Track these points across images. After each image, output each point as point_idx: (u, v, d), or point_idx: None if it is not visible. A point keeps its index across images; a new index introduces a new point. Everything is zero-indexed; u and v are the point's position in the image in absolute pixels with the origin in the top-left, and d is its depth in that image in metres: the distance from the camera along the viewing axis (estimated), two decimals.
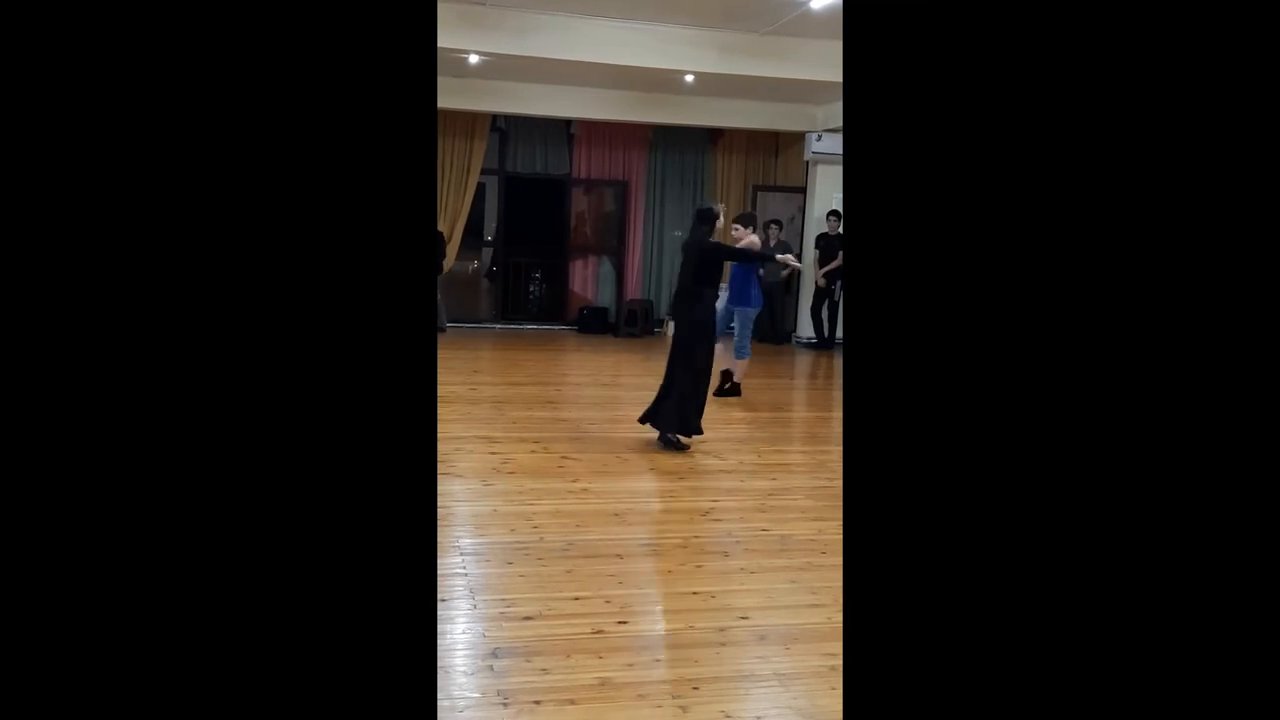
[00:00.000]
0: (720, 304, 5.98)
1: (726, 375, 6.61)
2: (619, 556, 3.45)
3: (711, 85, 8.58)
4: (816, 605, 3.09)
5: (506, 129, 10.12)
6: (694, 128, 10.17)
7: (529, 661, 2.56)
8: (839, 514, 4.12)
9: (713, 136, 10.61)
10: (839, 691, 2.49)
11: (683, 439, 5.09)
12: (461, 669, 2.53)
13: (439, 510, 3.79)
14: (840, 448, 5.34)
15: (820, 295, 9.64)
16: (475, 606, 2.93)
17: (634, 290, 10.68)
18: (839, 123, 9.47)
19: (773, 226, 10.17)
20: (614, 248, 10.79)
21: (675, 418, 5.04)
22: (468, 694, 2.38)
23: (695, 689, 2.47)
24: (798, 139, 9.95)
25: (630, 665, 2.59)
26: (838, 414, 5.67)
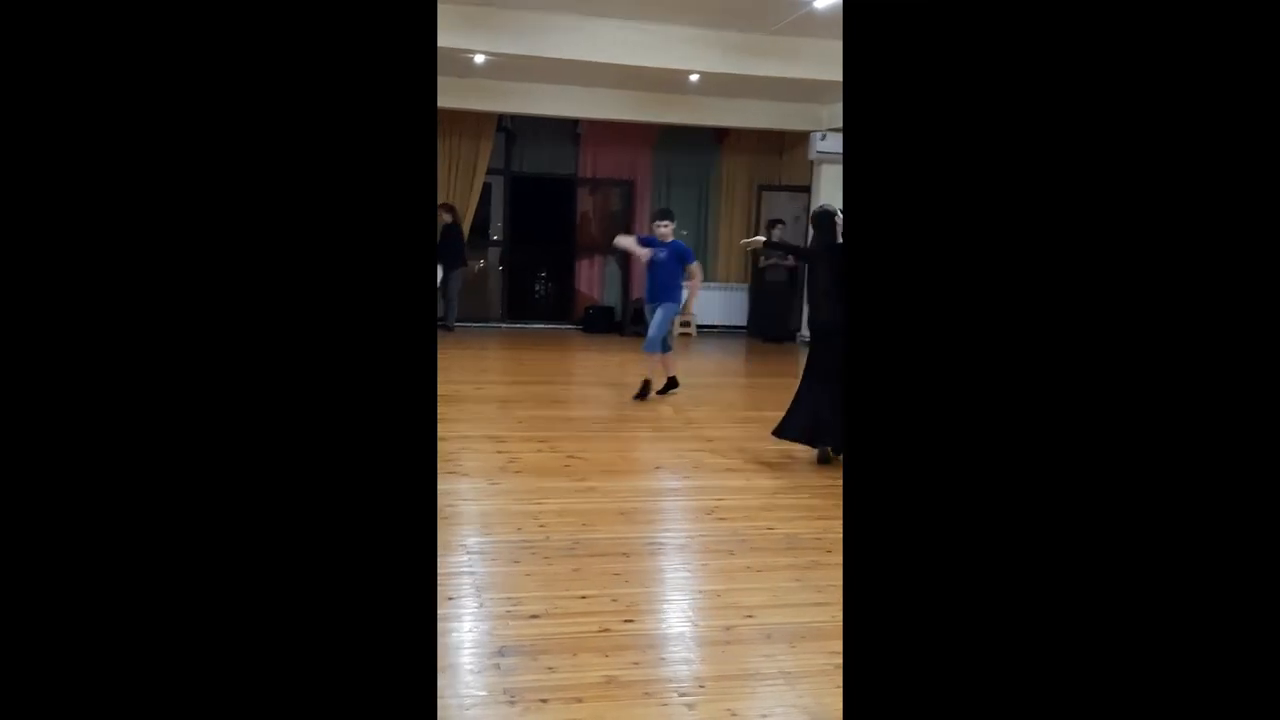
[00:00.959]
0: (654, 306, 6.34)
1: (672, 381, 6.57)
2: (625, 555, 3.46)
3: (717, 85, 8.59)
4: (822, 604, 3.09)
5: (513, 129, 10.14)
6: (699, 127, 10.17)
7: (535, 660, 2.58)
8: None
9: (718, 136, 10.62)
10: None
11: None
12: (468, 667, 2.54)
13: (446, 509, 3.81)
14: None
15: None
16: (482, 605, 2.95)
17: (640, 289, 10.69)
18: (842, 122, 9.46)
19: (778, 226, 10.18)
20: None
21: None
22: (474, 692, 2.40)
23: (701, 687, 2.49)
24: (803, 138, 9.95)
25: (636, 663, 2.60)
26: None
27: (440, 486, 3.84)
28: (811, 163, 9.86)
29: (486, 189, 10.37)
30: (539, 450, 4.93)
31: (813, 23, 6.34)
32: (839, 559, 3.51)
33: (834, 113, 9.65)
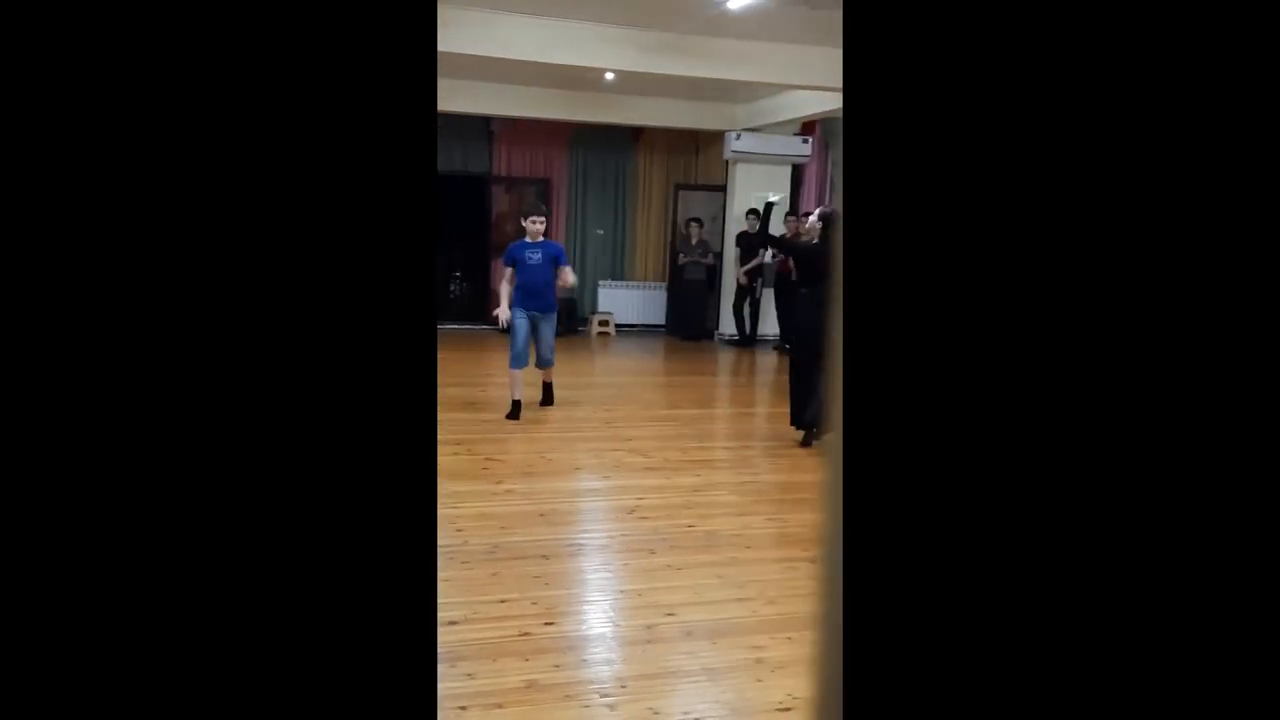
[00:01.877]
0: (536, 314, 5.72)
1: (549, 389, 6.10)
2: (545, 557, 3.43)
3: (632, 83, 8.59)
4: (742, 599, 3.12)
5: None
6: (615, 126, 10.18)
7: (454, 666, 2.53)
8: (762, 509, 4.17)
9: (634, 135, 10.64)
10: (766, 684, 2.52)
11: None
12: None
13: None
14: (763, 444, 5.42)
15: (741, 293, 9.75)
16: None
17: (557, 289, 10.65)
18: (758, 121, 9.60)
19: (693, 224, 10.26)
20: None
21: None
22: None
23: (623, 687, 2.47)
24: (718, 138, 10.04)
25: (557, 666, 2.58)
26: (761, 410, 5.75)
27: None
28: (727, 162, 9.96)
29: None
30: (455, 453, 4.85)
31: (727, 23, 6.39)
32: (758, 555, 3.55)
33: (748, 112, 9.77)
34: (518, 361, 5.69)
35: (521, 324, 5.68)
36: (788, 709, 2.40)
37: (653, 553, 3.54)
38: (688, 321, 10.32)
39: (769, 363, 8.76)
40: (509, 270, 5.75)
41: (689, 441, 5.38)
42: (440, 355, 8.64)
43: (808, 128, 9.93)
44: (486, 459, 4.77)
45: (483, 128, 10.16)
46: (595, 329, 10.36)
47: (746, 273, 9.63)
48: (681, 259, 10.27)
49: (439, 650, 2.61)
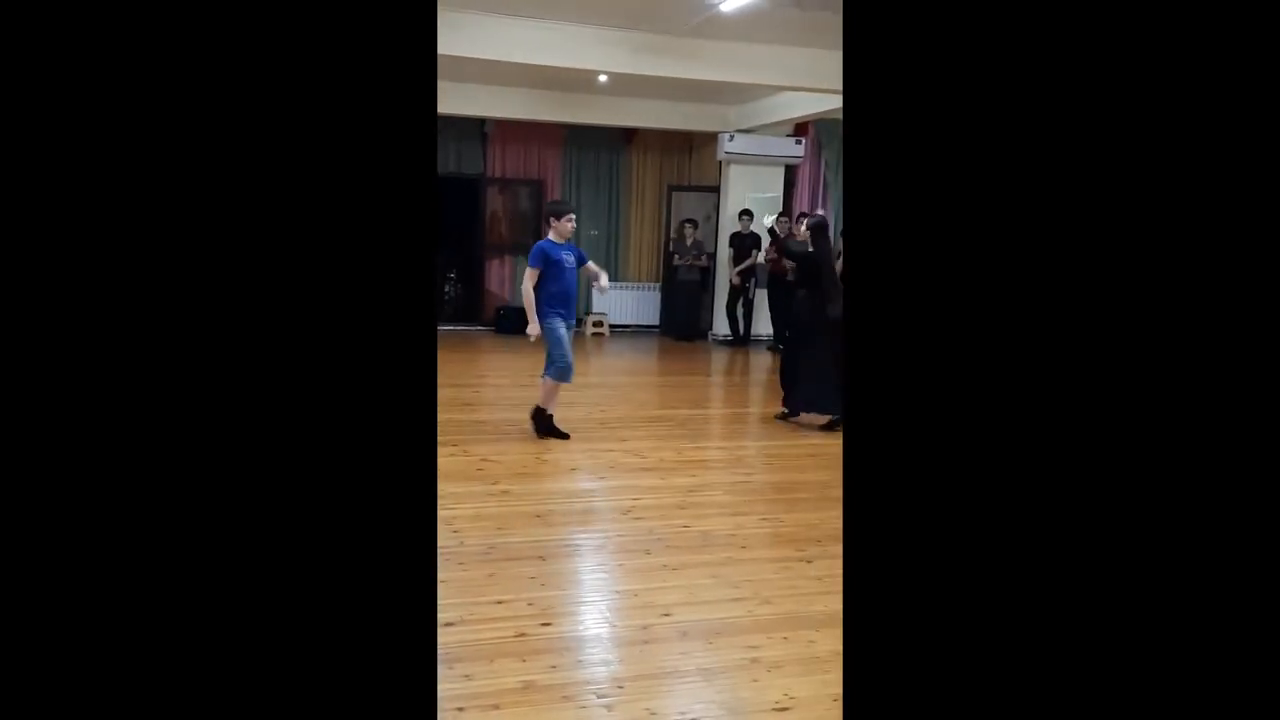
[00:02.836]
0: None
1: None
2: (541, 558, 3.44)
3: (625, 85, 8.60)
4: (737, 599, 3.13)
5: None
6: (608, 127, 10.19)
7: (451, 668, 2.54)
8: (757, 509, 4.19)
9: (626, 136, 10.65)
10: (761, 684, 2.54)
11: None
12: None
13: None
14: (758, 444, 5.44)
15: (735, 293, 9.77)
16: None
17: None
18: (750, 123, 9.62)
19: (687, 225, 10.28)
20: (530, 247, 10.72)
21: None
22: None
23: (620, 688, 2.49)
24: (711, 139, 10.06)
25: (554, 667, 2.59)
26: (754, 410, 5.77)
27: None
28: (720, 163, 9.98)
29: None
30: (451, 454, 4.85)
31: (719, 25, 6.41)
32: (753, 555, 3.57)
33: (741, 113, 9.79)
34: (568, 375, 5.20)
35: (566, 333, 5.21)
36: (784, 709, 2.42)
37: (648, 553, 3.55)
38: (682, 322, 10.34)
39: (763, 362, 8.77)
40: (536, 274, 5.17)
41: (684, 442, 5.39)
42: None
43: (800, 129, 9.95)
44: (482, 460, 4.78)
45: (476, 129, 10.16)
46: (590, 329, 10.37)
47: (739, 273, 9.64)
48: (675, 260, 10.29)
49: (437, 652, 2.62)
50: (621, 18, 6.46)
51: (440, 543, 3.52)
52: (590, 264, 5.46)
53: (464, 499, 4.10)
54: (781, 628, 2.90)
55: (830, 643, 2.78)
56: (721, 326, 10.05)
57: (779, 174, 10.09)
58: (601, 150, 10.65)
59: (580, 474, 4.67)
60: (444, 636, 2.72)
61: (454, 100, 8.97)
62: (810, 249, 5.77)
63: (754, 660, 2.67)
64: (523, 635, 2.77)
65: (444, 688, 2.42)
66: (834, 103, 7.90)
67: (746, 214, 9.61)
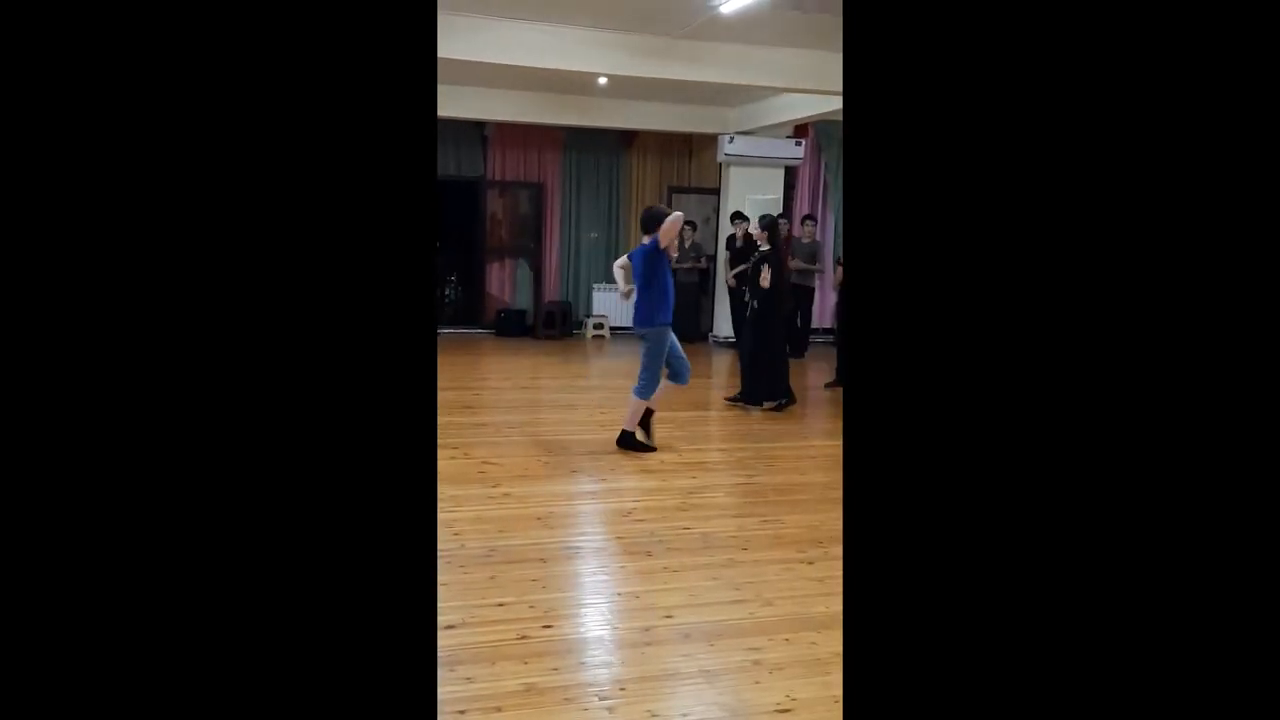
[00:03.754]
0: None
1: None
2: (542, 561, 3.44)
3: (625, 88, 8.61)
4: (739, 601, 3.13)
5: None
6: (608, 130, 10.19)
7: (453, 671, 2.54)
8: (758, 510, 4.19)
9: (627, 138, 10.66)
10: (763, 685, 2.54)
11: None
12: None
13: None
14: (758, 445, 5.44)
15: (733, 296, 9.77)
16: None
17: (552, 292, 10.65)
18: (750, 125, 9.62)
19: (686, 227, 10.27)
20: (530, 250, 10.74)
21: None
22: None
23: (622, 690, 2.48)
24: (711, 141, 10.06)
25: (555, 669, 2.59)
26: (755, 412, 5.76)
27: None
28: (720, 165, 9.98)
29: None
30: (452, 457, 4.85)
31: (719, 27, 6.41)
32: (754, 557, 3.56)
33: (740, 115, 9.79)
34: (649, 392, 5.11)
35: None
36: (786, 710, 2.42)
37: (650, 555, 3.55)
38: (680, 323, 10.32)
39: None
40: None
41: (684, 444, 5.39)
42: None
43: (800, 130, 9.96)
44: (483, 463, 4.78)
45: (476, 132, 10.17)
46: (590, 332, 10.37)
47: (735, 276, 9.63)
48: (674, 261, 10.27)
49: (438, 655, 2.62)
50: (621, 20, 6.46)
51: (441, 545, 3.52)
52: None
53: (465, 502, 4.10)
54: (783, 629, 2.90)
55: (832, 644, 2.78)
56: (721, 328, 10.05)
57: (779, 176, 10.09)
58: (601, 153, 10.65)
59: (581, 476, 4.67)
60: (445, 639, 2.72)
61: (454, 103, 8.98)
62: (766, 247, 6.27)
63: (756, 662, 2.67)
64: (524, 638, 2.77)
65: (446, 690, 2.42)
66: (834, 104, 7.90)
67: (740, 217, 9.60)
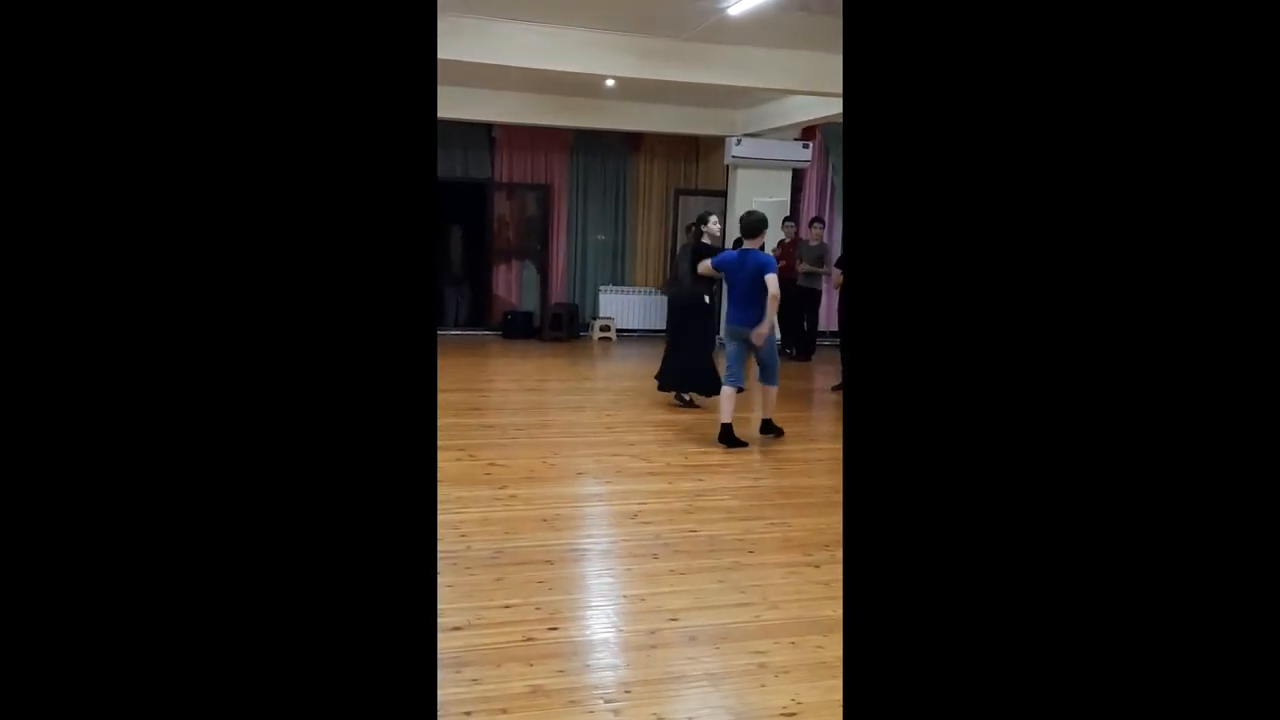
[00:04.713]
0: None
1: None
2: (548, 562, 3.44)
3: (632, 90, 8.62)
4: (745, 604, 3.13)
5: None
6: (615, 132, 10.20)
7: (459, 672, 2.54)
8: (764, 513, 4.18)
9: (634, 141, 10.66)
10: (769, 689, 2.53)
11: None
12: None
13: None
14: (764, 448, 5.43)
15: None
16: None
17: (559, 294, 10.65)
18: (758, 127, 9.62)
19: (692, 230, 10.26)
20: (537, 252, 10.75)
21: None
22: None
23: (627, 692, 2.48)
24: (718, 143, 10.06)
25: (561, 671, 2.59)
26: (758, 414, 5.76)
27: None
28: (728, 167, 9.98)
29: None
30: (458, 459, 4.86)
31: (726, 29, 6.42)
32: (760, 560, 3.56)
33: (748, 117, 9.78)
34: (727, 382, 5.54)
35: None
36: (791, 714, 2.41)
37: (655, 558, 3.54)
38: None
39: None
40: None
41: (690, 446, 5.39)
42: (442, 360, 8.52)
43: (808, 133, 9.95)
44: (489, 464, 4.78)
45: (484, 134, 10.18)
46: (597, 334, 10.38)
47: None
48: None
49: (443, 656, 2.62)
50: (629, 22, 6.47)
51: (448, 547, 3.52)
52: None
53: (471, 503, 4.11)
54: (789, 633, 2.90)
55: (838, 648, 2.77)
56: None
57: (786, 178, 10.09)
58: (609, 155, 10.66)
59: (587, 478, 4.67)
60: (451, 641, 2.72)
61: (461, 105, 8.99)
62: (708, 243, 6.61)
63: (762, 665, 2.67)
64: (530, 640, 2.77)
65: (451, 692, 2.42)
66: (841, 107, 7.89)
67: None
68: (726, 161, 9.82)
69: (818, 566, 3.50)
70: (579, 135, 10.36)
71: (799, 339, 9.49)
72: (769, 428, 5.67)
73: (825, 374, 8.33)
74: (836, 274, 8.18)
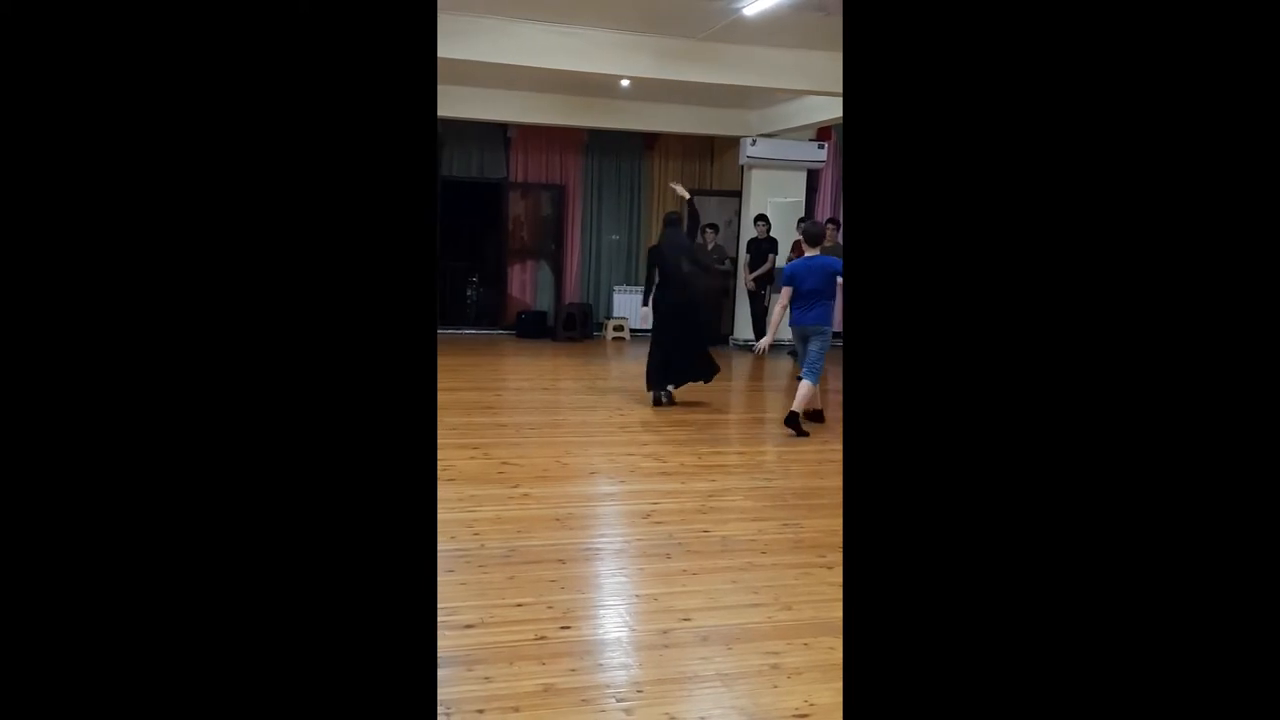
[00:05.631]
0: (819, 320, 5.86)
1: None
2: (561, 561, 3.44)
3: (647, 90, 8.62)
4: (757, 605, 3.12)
5: (441, 133, 10.03)
6: (630, 132, 10.20)
7: (471, 670, 2.54)
8: (778, 514, 4.17)
9: (648, 141, 10.66)
10: (781, 690, 2.52)
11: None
12: None
13: None
14: (777, 449, 5.42)
15: (752, 299, 9.75)
16: None
17: (573, 294, 10.67)
18: (772, 127, 9.60)
19: (708, 230, 10.27)
20: (552, 251, 10.76)
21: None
22: None
23: (639, 692, 2.48)
24: (733, 144, 10.05)
25: (573, 670, 2.59)
26: (773, 414, 5.75)
27: None
28: (742, 168, 9.97)
29: None
30: (472, 457, 4.87)
31: (741, 30, 6.41)
32: (773, 560, 3.55)
33: (763, 118, 9.77)
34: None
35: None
36: (804, 715, 2.41)
37: (668, 557, 3.54)
38: (705, 326, 10.32)
39: (783, 367, 8.75)
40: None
41: (703, 446, 5.38)
42: (456, 360, 8.60)
43: (823, 133, 9.92)
44: (503, 463, 4.79)
45: (499, 134, 10.21)
46: (610, 334, 10.38)
47: (755, 279, 9.62)
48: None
49: (455, 654, 2.62)
50: (644, 23, 6.47)
51: (461, 545, 3.53)
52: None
53: (485, 501, 4.12)
54: (802, 634, 2.89)
55: None
56: (742, 331, 10.03)
57: (801, 179, 10.07)
58: (623, 155, 10.66)
59: (600, 478, 4.68)
60: (464, 639, 2.73)
61: (476, 105, 9.02)
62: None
63: (774, 666, 2.66)
64: (542, 638, 2.78)
65: (463, 689, 2.42)
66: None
67: (763, 219, 9.58)
68: (741, 162, 9.81)
69: (830, 568, 3.49)
70: (594, 135, 10.37)
71: None
72: (792, 421, 5.70)
73: (838, 375, 8.31)
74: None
